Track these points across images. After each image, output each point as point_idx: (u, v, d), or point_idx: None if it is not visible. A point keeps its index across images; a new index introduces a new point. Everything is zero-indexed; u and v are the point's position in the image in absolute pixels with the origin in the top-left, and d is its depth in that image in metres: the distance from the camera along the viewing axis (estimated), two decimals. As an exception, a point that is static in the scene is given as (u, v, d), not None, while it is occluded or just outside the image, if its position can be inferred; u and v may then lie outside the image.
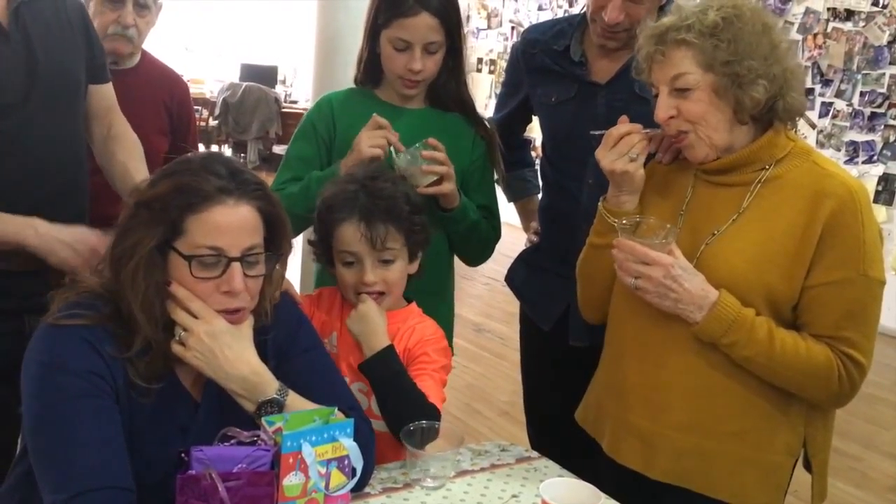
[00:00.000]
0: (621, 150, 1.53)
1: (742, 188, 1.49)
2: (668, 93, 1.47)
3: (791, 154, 1.49)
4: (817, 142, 5.64)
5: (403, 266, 1.64)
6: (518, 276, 2.25)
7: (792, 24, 5.75)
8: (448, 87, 1.94)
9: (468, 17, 8.44)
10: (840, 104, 5.57)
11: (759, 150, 1.48)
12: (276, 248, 1.36)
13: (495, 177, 2.05)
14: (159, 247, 1.27)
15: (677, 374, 1.52)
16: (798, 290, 1.44)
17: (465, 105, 1.97)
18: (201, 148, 7.12)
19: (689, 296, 1.44)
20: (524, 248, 2.28)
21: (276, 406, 1.30)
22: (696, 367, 1.50)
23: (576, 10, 6.83)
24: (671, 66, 1.45)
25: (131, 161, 1.86)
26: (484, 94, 8.12)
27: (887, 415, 3.98)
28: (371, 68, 1.94)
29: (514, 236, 2.49)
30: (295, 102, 9.69)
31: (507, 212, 2.26)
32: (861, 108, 5.47)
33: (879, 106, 5.39)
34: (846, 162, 5.46)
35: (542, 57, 2.05)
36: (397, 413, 1.51)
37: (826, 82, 5.63)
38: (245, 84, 9.09)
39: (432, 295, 1.86)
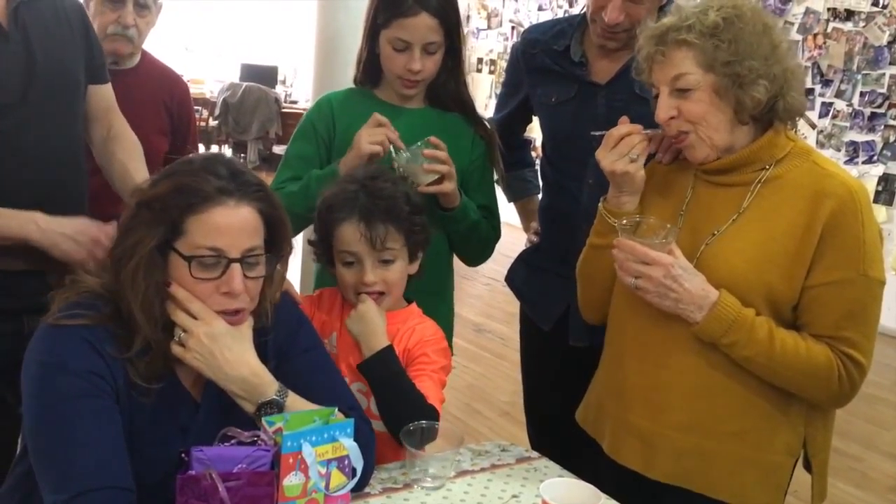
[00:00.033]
0: (622, 150, 1.53)
1: (742, 188, 1.49)
2: (669, 93, 1.47)
3: (791, 154, 1.49)
4: (817, 142, 5.64)
5: (403, 266, 1.64)
6: (518, 277, 2.25)
7: (792, 24, 5.75)
8: (447, 87, 1.94)
9: (468, 18, 8.44)
10: (840, 104, 5.58)
11: (759, 150, 1.48)
12: (276, 250, 1.36)
13: (495, 177, 2.05)
14: (160, 247, 1.27)
15: (677, 375, 1.52)
16: (798, 290, 1.44)
17: (465, 105, 1.97)
18: (201, 148, 7.12)
19: (689, 296, 1.44)
20: (524, 248, 2.28)
21: (275, 407, 1.30)
22: (697, 367, 1.50)
23: (576, 10, 6.83)
24: (672, 66, 1.45)
25: (131, 161, 1.87)
26: (484, 94, 8.12)
27: (887, 415, 3.98)
28: (370, 68, 1.94)
29: (514, 236, 2.49)
30: (295, 102, 9.69)
31: (507, 212, 2.26)
32: (861, 108, 5.47)
33: (879, 106, 5.39)
34: (846, 162, 5.46)
35: (542, 57, 2.05)
36: (396, 413, 1.51)
37: (826, 82, 5.63)
38: (245, 84, 9.09)
39: (432, 295, 1.86)
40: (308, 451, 1.21)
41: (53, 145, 1.68)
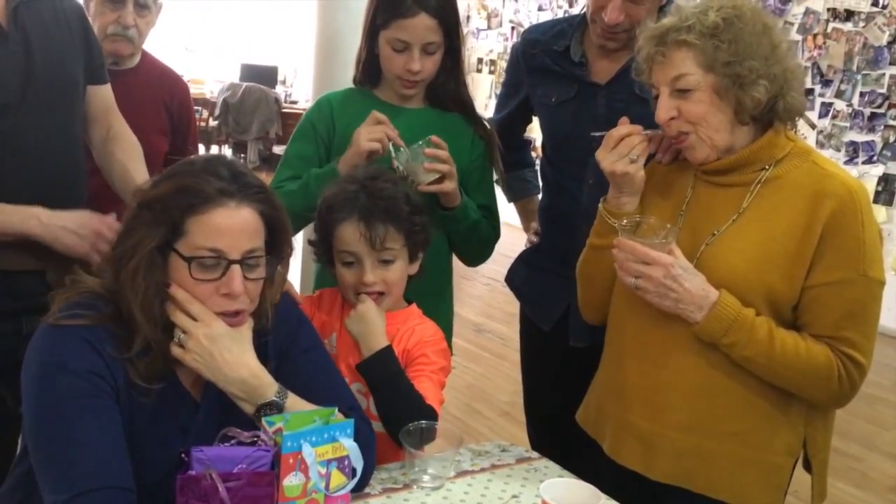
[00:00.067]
0: (622, 151, 1.53)
1: (742, 188, 1.49)
2: (669, 94, 1.47)
3: (791, 154, 1.49)
4: (817, 142, 5.64)
5: (403, 266, 1.64)
6: (518, 277, 2.25)
7: (792, 24, 5.75)
8: (447, 87, 1.94)
9: (468, 18, 8.44)
10: (840, 104, 5.58)
11: (758, 150, 1.48)
12: (276, 252, 1.36)
13: (495, 177, 2.05)
14: (160, 248, 1.27)
15: (677, 375, 1.52)
16: (798, 290, 1.44)
17: (465, 105, 1.97)
18: (201, 148, 7.12)
19: (689, 296, 1.44)
20: (524, 248, 2.28)
21: (275, 408, 1.30)
22: (697, 367, 1.50)
23: (576, 10, 6.83)
24: (672, 67, 1.45)
25: (131, 162, 1.87)
26: (484, 94, 8.12)
27: (887, 415, 3.98)
28: (370, 68, 1.94)
29: (514, 236, 2.49)
30: (295, 103, 9.69)
31: (507, 212, 2.26)
32: (861, 108, 5.47)
33: (879, 106, 5.39)
34: (846, 162, 5.46)
35: (542, 57, 2.05)
36: (394, 414, 1.51)
37: (826, 83, 5.63)
38: (245, 84, 9.09)
39: (432, 295, 1.86)
40: (308, 452, 1.21)
41: (52, 145, 1.68)
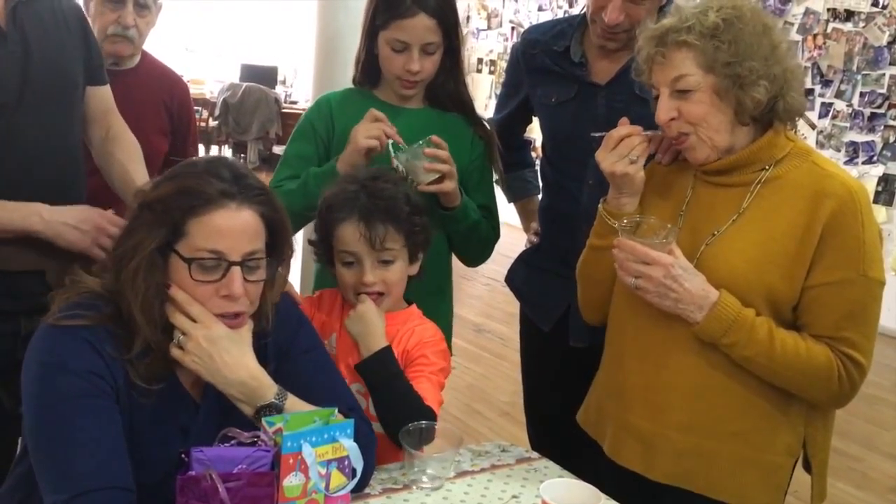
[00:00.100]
0: (621, 152, 1.53)
1: (742, 188, 1.49)
2: (669, 94, 1.47)
3: (791, 154, 1.49)
4: (817, 142, 5.64)
5: (403, 267, 1.64)
6: (518, 277, 2.25)
7: (792, 24, 5.75)
8: (446, 87, 1.94)
9: (468, 18, 8.44)
10: (840, 105, 5.58)
11: (758, 150, 1.48)
12: (277, 254, 1.36)
13: (494, 177, 2.05)
14: (160, 249, 1.27)
15: (678, 375, 1.52)
16: (798, 290, 1.44)
17: (464, 105, 1.97)
18: (201, 148, 7.12)
19: (689, 296, 1.44)
20: (524, 248, 2.28)
21: (274, 410, 1.30)
22: (697, 367, 1.50)
23: (576, 10, 6.83)
24: (672, 67, 1.45)
25: (130, 162, 1.87)
26: (484, 94, 8.12)
27: (888, 415, 3.98)
28: (369, 69, 1.95)
29: (513, 237, 2.49)
30: (295, 103, 9.70)
31: (507, 212, 2.26)
32: (861, 108, 5.47)
33: (879, 106, 5.39)
34: (846, 162, 5.46)
35: (542, 57, 2.05)
36: (392, 415, 1.51)
37: (826, 83, 5.63)
38: (245, 84, 9.09)
39: (432, 295, 1.86)
40: (308, 452, 1.21)
41: (51, 145, 1.68)
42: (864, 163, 5.46)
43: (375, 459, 1.43)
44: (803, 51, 5.69)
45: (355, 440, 1.27)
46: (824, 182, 1.44)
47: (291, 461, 1.21)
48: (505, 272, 2.29)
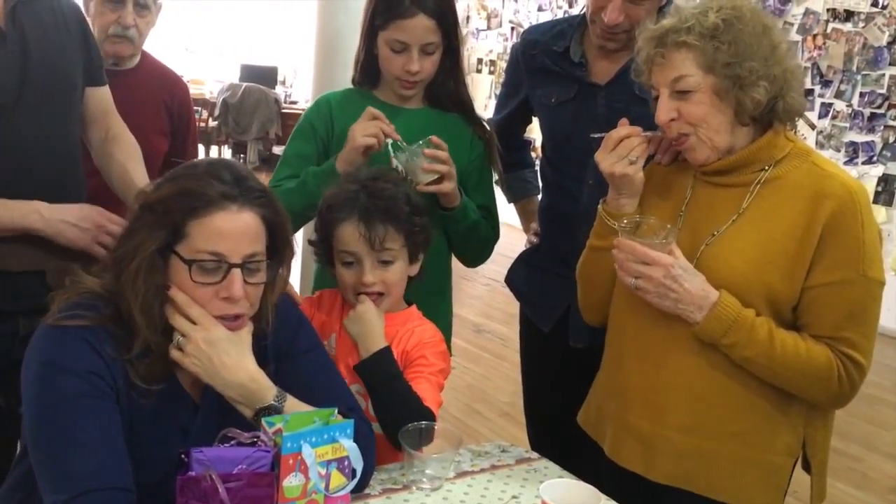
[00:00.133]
0: (621, 152, 1.53)
1: (741, 189, 1.49)
2: (669, 95, 1.47)
3: (790, 155, 1.49)
4: (817, 142, 5.64)
5: (403, 267, 1.64)
6: (518, 277, 2.25)
7: (791, 24, 5.75)
8: (446, 87, 1.94)
9: (468, 18, 8.44)
10: (840, 105, 5.58)
11: (758, 150, 1.48)
12: (277, 257, 1.36)
13: (494, 177, 2.05)
14: (161, 250, 1.26)
15: (678, 375, 1.52)
16: (798, 290, 1.44)
17: (464, 105, 1.97)
18: (201, 149, 7.12)
19: (689, 296, 1.44)
20: (524, 248, 2.28)
21: (273, 412, 1.29)
22: (697, 367, 1.50)
23: (575, 10, 6.83)
24: (672, 68, 1.45)
25: (130, 162, 1.87)
26: (484, 94, 8.13)
27: (888, 415, 3.98)
28: (368, 69, 1.95)
29: (513, 237, 2.49)
30: (295, 103, 9.70)
31: (507, 212, 2.26)
32: (861, 108, 5.48)
33: (879, 107, 5.39)
34: (846, 163, 5.46)
35: (541, 58, 2.05)
36: (391, 416, 1.51)
37: (826, 83, 5.63)
38: (245, 85, 9.09)
39: (432, 294, 1.86)
40: (308, 452, 1.21)
41: (49, 145, 1.68)
42: (863, 163, 5.46)
43: (375, 460, 1.43)
44: (803, 51, 5.69)
45: (355, 440, 1.27)
46: (824, 182, 1.44)
47: (291, 462, 1.21)
48: (505, 272, 2.29)
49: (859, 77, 5.46)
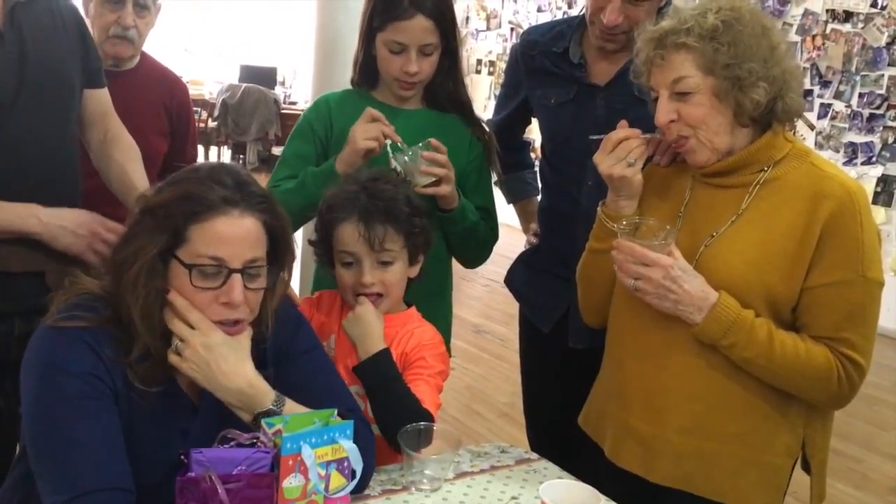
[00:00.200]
0: (619, 154, 1.53)
1: (741, 190, 1.49)
2: (669, 96, 1.47)
3: (789, 155, 1.49)
4: (816, 143, 5.64)
5: (402, 268, 1.64)
6: (517, 278, 2.25)
7: (791, 25, 5.75)
8: (445, 88, 1.94)
9: (467, 19, 8.45)
10: (839, 105, 5.58)
11: (757, 151, 1.48)
12: (278, 262, 1.36)
13: (493, 178, 2.05)
14: (161, 254, 1.26)
15: (677, 377, 1.52)
16: (797, 291, 1.44)
17: (463, 106, 1.97)
18: (200, 149, 7.12)
19: (688, 297, 1.44)
20: (523, 249, 2.28)
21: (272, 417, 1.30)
22: (697, 368, 1.50)
23: (575, 11, 6.84)
24: (671, 69, 1.45)
25: (129, 163, 1.87)
26: (483, 95, 8.13)
27: (887, 416, 3.98)
28: (367, 70, 1.95)
29: (513, 238, 2.49)
30: (294, 104, 9.70)
31: (506, 213, 2.26)
32: (860, 109, 5.48)
33: (878, 107, 5.40)
34: (845, 163, 5.46)
35: (541, 59, 2.05)
36: (390, 418, 1.50)
37: (825, 84, 5.64)
38: (244, 85, 9.10)
39: (432, 295, 1.86)
40: (308, 453, 1.21)
41: (46, 145, 1.68)
42: (862, 164, 5.46)
43: (375, 461, 1.43)
44: (802, 52, 5.70)
45: (355, 441, 1.27)
46: (823, 183, 1.44)
47: (291, 462, 1.21)
48: (504, 273, 2.29)
49: (858, 78, 5.47)
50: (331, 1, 3.80)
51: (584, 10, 1.98)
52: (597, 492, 1.32)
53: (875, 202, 5.32)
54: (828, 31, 5.61)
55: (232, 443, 1.23)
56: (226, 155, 9.43)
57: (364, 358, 1.57)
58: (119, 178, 1.85)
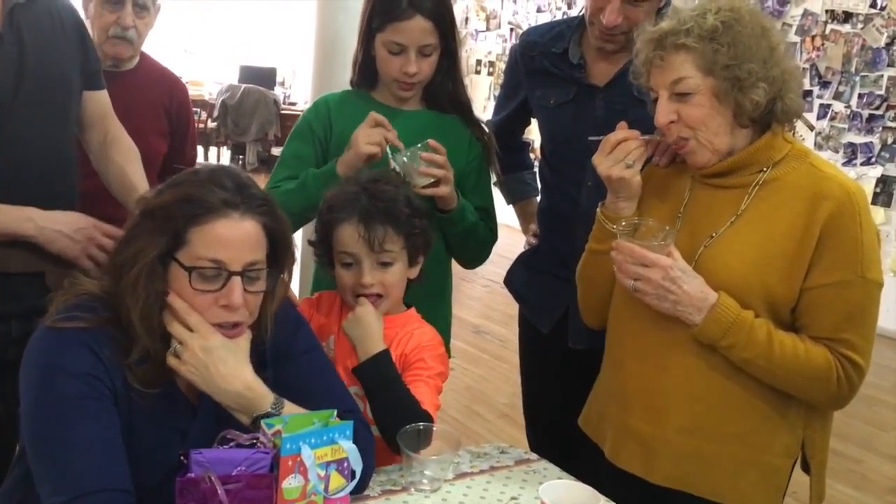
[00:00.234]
0: (618, 156, 1.53)
1: (740, 190, 1.49)
2: (668, 97, 1.47)
3: (788, 156, 1.49)
4: (815, 144, 5.64)
5: (402, 269, 1.64)
6: (517, 279, 2.25)
7: (790, 26, 5.76)
8: (444, 88, 1.94)
9: (467, 19, 8.45)
10: (838, 106, 5.58)
11: (756, 152, 1.48)
12: (278, 265, 1.36)
13: (493, 179, 2.05)
14: (161, 256, 1.26)
15: (677, 377, 1.52)
16: (797, 291, 1.44)
17: (462, 106, 1.97)
18: (200, 150, 7.12)
19: (688, 298, 1.44)
20: (523, 250, 2.28)
21: None
22: (697, 369, 1.50)
23: (574, 12, 6.84)
24: (671, 70, 1.45)
25: (128, 164, 1.87)
26: (483, 95, 8.13)
27: (887, 416, 3.98)
28: (366, 71, 1.95)
29: (512, 238, 2.49)
30: (294, 104, 9.70)
31: (506, 213, 2.26)
32: (859, 109, 5.48)
33: (877, 108, 5.40)
34: (844, 164, 5.47)
35: (540, 59, 2.05)
36: (389, 419, 1.50)
37: (824, 84, 5.64)
38: (244, 86, 9.10)
39: (431, 295, 1.86)
40: (307, 454, 1.21)
41: (44, 147, 1.68)
42: (862, 164, 5.47)
43: (374, 461, 1.43)
44: (801, 52, 5.70)
45: (354, 442, 1.27)
46: (822, 184, 1.44)
47: (290, 463, 1.21)
48: (504, 274, 2.29)
49: (858, 78, 5.47)
50: (331, 1, 3.80)
51: (583, 11, 1.98)
52: (596, 492, 1.32)
53: (874, 203, 5.32)
54: (827, 31, 5.61)
55: (231, 443, 1.23)
56: (225, 155, 9.43)
57: (364, 359, 1.57)
58: (118, 180, 1.85)
